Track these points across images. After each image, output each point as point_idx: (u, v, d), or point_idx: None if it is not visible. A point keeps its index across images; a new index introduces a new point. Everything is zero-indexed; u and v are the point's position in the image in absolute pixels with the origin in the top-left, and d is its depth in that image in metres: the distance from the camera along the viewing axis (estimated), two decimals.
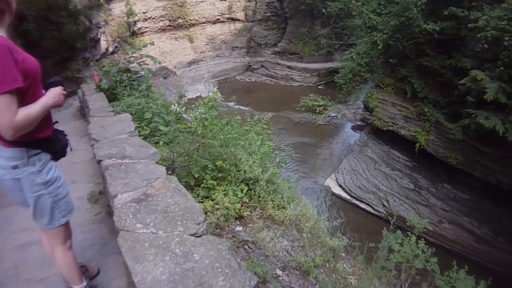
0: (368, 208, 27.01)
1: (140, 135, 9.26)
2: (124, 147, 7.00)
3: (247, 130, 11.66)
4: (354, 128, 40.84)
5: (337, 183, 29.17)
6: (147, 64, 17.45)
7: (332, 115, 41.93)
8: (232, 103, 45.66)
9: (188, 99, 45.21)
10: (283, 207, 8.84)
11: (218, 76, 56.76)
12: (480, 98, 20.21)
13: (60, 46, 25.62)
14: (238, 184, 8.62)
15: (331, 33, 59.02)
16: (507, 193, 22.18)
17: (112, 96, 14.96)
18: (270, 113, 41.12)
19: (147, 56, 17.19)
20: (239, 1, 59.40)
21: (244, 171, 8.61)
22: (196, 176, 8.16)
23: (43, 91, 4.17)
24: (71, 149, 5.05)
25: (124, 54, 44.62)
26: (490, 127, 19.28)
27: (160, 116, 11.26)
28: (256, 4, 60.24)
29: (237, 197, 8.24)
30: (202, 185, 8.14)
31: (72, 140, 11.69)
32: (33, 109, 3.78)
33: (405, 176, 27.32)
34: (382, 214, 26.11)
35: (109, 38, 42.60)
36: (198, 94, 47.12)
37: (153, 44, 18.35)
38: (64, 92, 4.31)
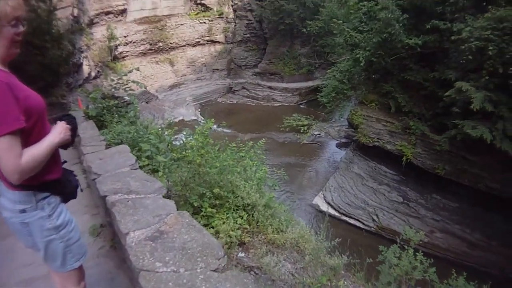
0: (358, 224, 27.12)
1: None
2: (128, 181, 6.91)
3: (242, 156, 11.64)
4: (339, 145, 40.95)
5: (325, 201, 29.27)
6: (133, 90, 17.48)
7: (316, 133, 42.13)
8: (214, 126, 45.59)
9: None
10: (282, 231, 8.74)
11: (200, 99, 56.85)
12: (466, 108, 20.54)
13: (44, 71, 25.34)
14: (236, 211, 8.43)
15: (311, 52, 59.72)
16: (496, 198, 22.59)
17: (100, 123, 14.93)
18: (253, 134, 41.55)
19: (132, 81, 17.18)
20: (218, 23, 59.81)
21: (242, 198, 8.42)
22: (196, 205, 7.99)
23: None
24: (81, 190, 4.64)
25: (107, 79, 44.98)
26: (478, 136, 19.58)
27: (153, 145, 11.25)
28: (235, 25, 60.67)
29: (237, 223, 8.10)
30: (201, 213, 7.96)
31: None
32: (39, 150, 3.52)
33: (393, 189, 27.52)
34: (373, 229, 26.33)
35: (91, 62, 42.66)
36: (180, 118, 47.49)
37: (138, 70, 18.20)
38: (69, 126, 4.02)
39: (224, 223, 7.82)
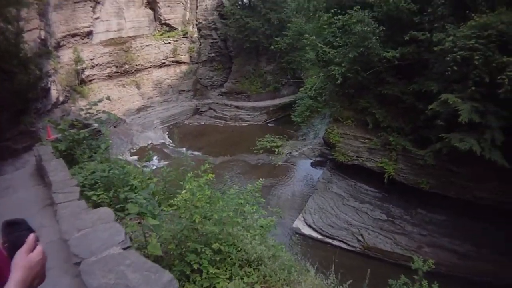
0: (343, 245, 26.47)
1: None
2: (123, 272, 5.36)
3: (241, 203, 10.25)
4: (314, 164, 40.46)
5: (306, 224, 28.61)
6: (102, 120, 16.77)
7: (290, 153, 41.42)
8: (184, 149, 44.87)
9: (139, 147, 44.70)
10: (292, 281, 7.95)
11: (167, 121, 56.34)
12: (450, 120, 20.26)
13: (14, 98, 24.80)
14: (240, 266, 7.86)
15: (277, 69, 59.96)
16: (482, 207, 22.48)
17: (70, 158, 14.43)
18: (225, 157, 40.95)
19: (103, 112, 16.78)
20: (183, 43, 59.53)
21: (246, 252, 7.96)
22: (195, 268, 7.32)
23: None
24: None
25: (75, 104, 44.22)
26: (466, 149, 19.21)
27: (139, 203, 8.42)
28: (200, 45, 60.51)
29: (244, 282, 7.50)
30: (204, 275, 7.34)
31: (33, 212, 10.66)
32: None
33: (376, 207, 27.09)
34: (359, 249, 25.76)
35: (59, 87, 42.02)
36: (149, 142, 46.91)
37: (109, 99, 17.46)
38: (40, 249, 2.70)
39: (229, 283, 7.36)
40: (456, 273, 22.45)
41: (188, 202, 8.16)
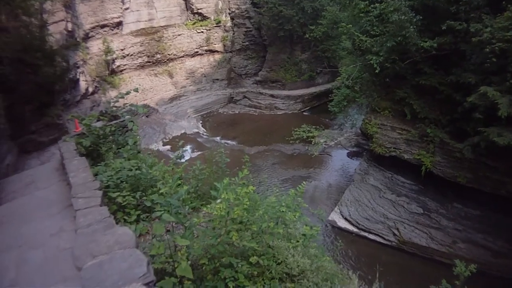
0: (378, 239, 26.50)
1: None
2: None
3: (283, 211, 9.56)
4: (350, 155, 40.45)
5: (342, 216, 28.62)
6: (133, 111, 16.64)
7: (326, 143, 41.21)
8: (218, 138, 45.20)
9: (172, 137, 44.95)
10: None
11: (201, 110, 56.64)
12: (488, 113, 20.09)
13: (38, 90, 24.79)
14: (281, 280, 7.49)
15: (312, 58, 59.85)
16: None
17: (95, 154, 14.07)
18: (260, 147, 41.02)
19: (133, 105, 16.22)
20: (216, 32, 59.57)
21: (287, 265, 7.53)
22: (231, 287, 6.87)
23: None
24: None
25: (105, 94, 44.55)
26: (505, 144, 18.94)
27: (166, 202, 7.51)
28: (233, 34, 60.48)
29: None
30: None
31: (54, 212, 10.51)
32: None
33: (412, 201, 26.96)
34: (394, 243, 25.75)
35: (89, 78, 42.46)
36: (182, 131, 47.12)
37: (137, 91, 17.04)
38: None
39: None
40: (489, 270, 22.31)
41: (224, 216, 7.47)
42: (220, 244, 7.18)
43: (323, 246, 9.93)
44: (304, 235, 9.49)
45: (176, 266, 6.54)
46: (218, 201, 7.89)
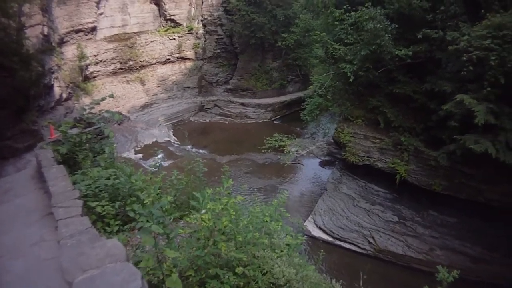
0: (354, 248, 26.57)
1: None
2: None
3: (267, 221, 9.62)
4: (322, 164, 40.58)
5: (316, 226, 28.65)
6: (107, 118, 16.39)
7: (297, 152, 41.23)
8: (189, 147, 45.03)
9: (144, 145, 44.73)
10: None
11: (172, 118, 56.57)
12: (464, 121, 20.26)
13: (14, 95, 24.62)
14: None
15: (283, 66, 60.16)
16: (494, 210, 22.48)
17: (72, 162, 13.72)
18: (232, 156, 41.01)
19: (106, 111, 15.90)
20: (188, 39, 59.58)
21: (273, 275, 7.48)
22: None
23: None
24: None
25: (78, 101, 44.18)
26: (482, 151, 19.16)
27: (149, 212, 7.13)
28: (205, 41, 60.54)
29: None
30: None
31: (33, 220, 10.18)
32: None
33: (387, 209, 27.11)
34: (370, 252, 25.83)
35: (63, 83, 42.10)
36: (154, 140, 47.06)
37: (112, 97, 16.68)
38: None
39: None
40: (468, 276, 22.20)
41: (211, 227, 7.48)
42: (206, 255, 7.17)
43: (304, 256, 9.85)
44: (288, 244, 9.48)
45: (162, 278, 6.50)
46: (203, 211, 7.82)
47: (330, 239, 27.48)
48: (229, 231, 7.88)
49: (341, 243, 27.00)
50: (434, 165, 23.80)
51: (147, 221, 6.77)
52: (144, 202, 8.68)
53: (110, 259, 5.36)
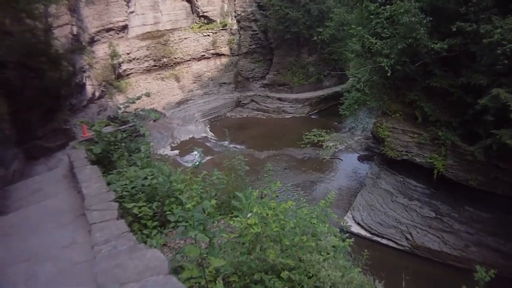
0: (391, 244, 26.78)
1: None
2: None
3: (314, 224, 9.27)
4: (361, 158, 40.75)
5: (355, 221, 28.84)
6: (142, 116, 16.69)
7: (333, 146, 41.36)
8: (226, 142, 45.56)
9: (180, 142, 45.24)
10: None
11: (209, 114, 57.08)
12: (500, 116, 20.28)
13: (44, 95, 25.03)
14: None
15: (319, 60, 60.31)
16: None
17: (106, 161, 13.73)
18: (270, 151, 41.30)
19: (145, 110, 16.38)
20: (222, 35, 59.92)
21: (318, 279, 7.19)
22: None
23: None
24: None
25: (112, 98, 44.85)
26: None
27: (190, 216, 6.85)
28: (240, 37, 60.90)
29: None
30: None
31: (65, 222, 10.23)
32: None
33: (424, 205, 27.17)
34: (407, 248, 26.04)
35: (95, 82, 42.79)
36: (191, 136, 47.71)
37: (148, 96, 16.52)
38: None
39: None
40: (500, 273, 22.28)
41: (259, 233, 7.31)
42: (252, 261, 7.14)
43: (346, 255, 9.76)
44: (334, 246, 9.10)
45: (205, 284, 6.40)
46: (249, 215, 7.66)
47: (368, 235, 27.72)
48: (275, 235, 7.77)
49: (379, 239, 27.24)
50: (470, 160, 23.76)
51: (190, 224, 6.68)
52: (187, 206, 7.84)
53: (151, 272, 5.16)
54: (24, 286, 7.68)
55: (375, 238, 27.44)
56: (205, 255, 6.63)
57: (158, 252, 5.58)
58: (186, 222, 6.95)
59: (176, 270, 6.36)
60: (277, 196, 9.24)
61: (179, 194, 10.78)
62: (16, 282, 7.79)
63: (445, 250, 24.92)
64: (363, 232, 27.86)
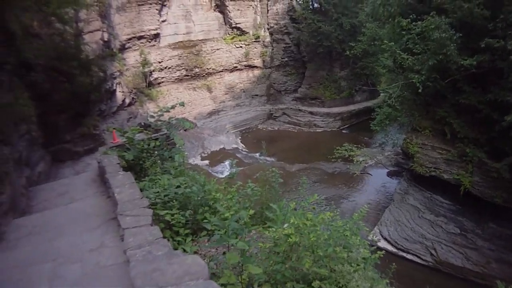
0: (415, 259, 27.02)
1: None
2: None
3: (347, 236, 9.53)
4: (390, 174, 40.97)
5: (382, 236, 29.16)
6: (174, 125, 16.56)
7: (363, 161, 41.61)
8: (257, 154, 46.20)
9: (211, 152, 45.83)
10: None
11: (240, 126, 57.53)
12: None
13: (73, 100, 25.33)
14: None
15: (351, 75, 60.58)
16: None
17: (138, 168, 13.88)
18: (301, 165, 41.62)
19: (178, 119, 16.64)
20: (255, 47, 60.71)
21: None
22: None
23: None
24: None
25: (142, 106, 45.48)
26: None
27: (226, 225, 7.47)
28: (273, 49, 61.59)
29: None
30: None
31: (93, 226, 10.43)
32: None
33: (450, 221, 27.36)
34: (431, 264, 26.26)
35: (125, 89, 43.74)
36: (221, 147, 48.25)
37: (183, 105, 16.52)
38: None
39: None
40: None
41: (296, 243, 7.48)
42: (286, 270, 7.34)
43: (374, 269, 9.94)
44: (364, 258, 9.18)
45: None
46: (286, 225, 8.08)
47: (394, 250, 27.95)
48: (310, 245, 7.87)
49: (404, 254, 27.49)
50: (496, 177, 23.86)
51: (224, 232, 7.17)
52: (225, 215, 8.50)
53: (190, 277, 5.22)
54: (48, 286, 7.83)
55: (400, 253, 27.66)
56: (245, 265, 6.89)
57: (199, 258, 5.71)
58: (219, 230, 7.39)
59: (210, 278, 5.90)
60: (314, 208, 9.64)
61: (213, 203, 11.15)
62: (39, 281, 8.00)
63: (468, 266, 25.08)
64: (389, 247, 27.95)
